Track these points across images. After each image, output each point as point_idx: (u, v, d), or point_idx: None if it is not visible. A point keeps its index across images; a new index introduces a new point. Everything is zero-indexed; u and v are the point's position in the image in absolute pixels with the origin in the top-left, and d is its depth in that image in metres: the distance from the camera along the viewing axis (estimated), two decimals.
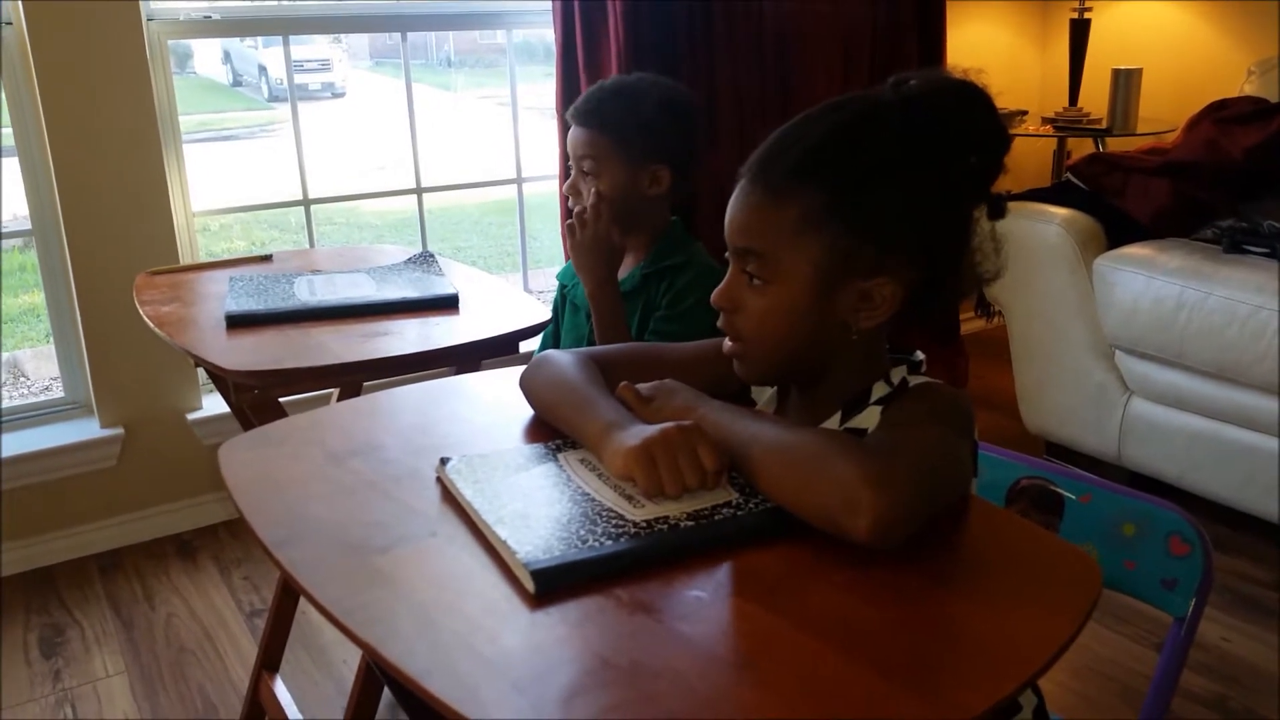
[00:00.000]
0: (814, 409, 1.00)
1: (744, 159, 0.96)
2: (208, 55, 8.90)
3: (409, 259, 1.83)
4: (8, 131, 2.24)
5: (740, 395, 1.09)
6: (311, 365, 1.37)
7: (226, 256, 2.19)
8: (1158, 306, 2.25)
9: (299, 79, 6.00)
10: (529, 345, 1.65)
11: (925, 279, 0.94)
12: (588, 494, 0.87)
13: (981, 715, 0.63)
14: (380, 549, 0.81)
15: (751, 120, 2.77)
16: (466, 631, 0.71)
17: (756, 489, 0.86)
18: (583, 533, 0.80)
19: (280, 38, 2.58)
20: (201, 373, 2.38)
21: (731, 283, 0.97)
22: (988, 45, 3.49)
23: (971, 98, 0.93)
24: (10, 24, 2.17)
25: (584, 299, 1.64)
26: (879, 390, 0.98)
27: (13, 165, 2.26)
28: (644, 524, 0.81)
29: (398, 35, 2.72)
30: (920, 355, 1.01)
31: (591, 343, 1.63)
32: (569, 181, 1.68)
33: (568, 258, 1.75)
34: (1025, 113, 3.37)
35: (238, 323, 1.50)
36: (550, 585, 0.74)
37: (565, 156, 1.84)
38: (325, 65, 8.46)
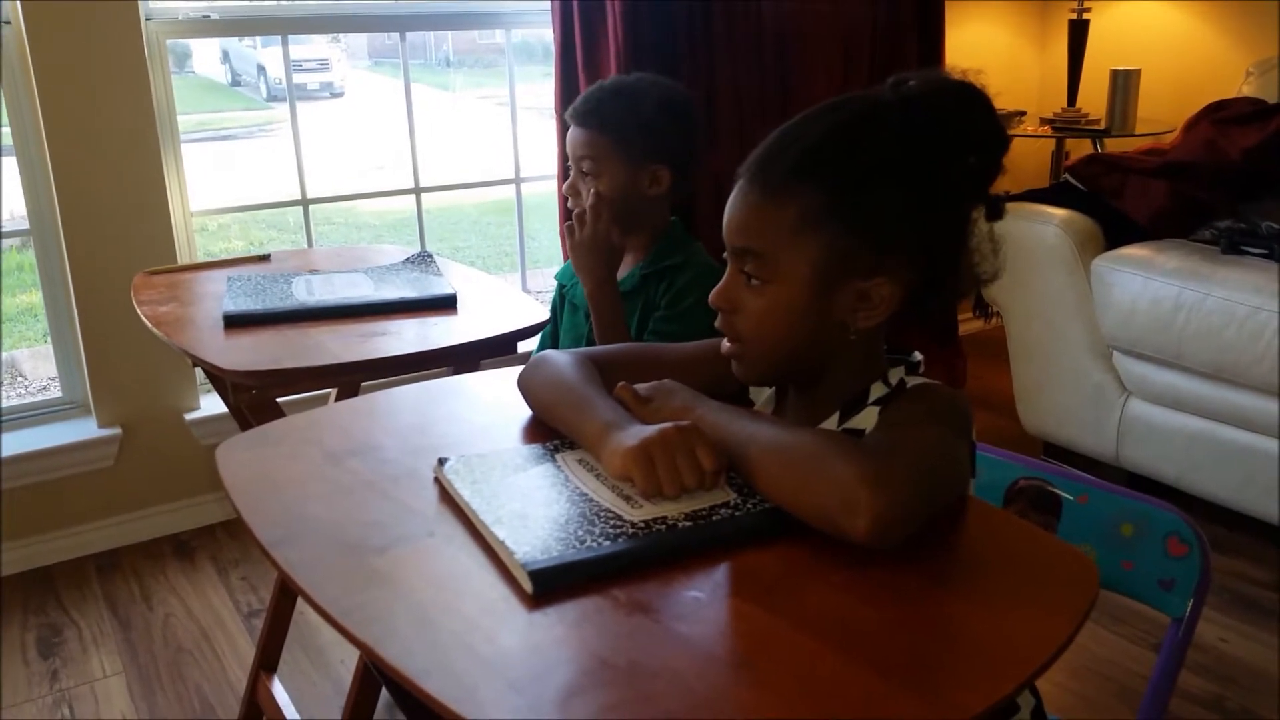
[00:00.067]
0: (812, 409, 1.00)
1: (744, 159, 0.96)
2: (206, 55, 8.89)
3: (407, 259, 1.83)
4: (6, 131, 2.24)
5: (739, 396, 1.08)
6: (309, 365, 1.37)
7: (224, 256, 2.19)
8: (1156, 307, 2.25)
9: (297, 79, 6.00)
10: (527, 345, 1.65)
11: (924, 279, 0.94)
12: (586, 494, 0.87)
13: (979, 715, 0.63)
14: (378, 549, 0.81)
15: (751, 120, 2.77)
16: (464, 631, 0.71)
17: (754, 489, 0.86)
18: (580, 533, 0.80)
19: (279, 37, 2.58)
20: (199, 373, 2.38)
21: (730, 283, 0.97)
22: (987, 45, 3.49)
23: (970, 98, 0.93)
24: (9, 24, 2.17)
25: (583, 299, 1.64)
26: (877, 391, 0.98)
27: (11, 165, 2.25)
28: (642, 524, 0.81)
29: (396, 35, 2.72)
30: (918, 356, 1.01)
31: (590, 343, 1.63)
32: (568, 182, 1.68)
33: (566, 258, 1.75)
34: (1024, 113, 3.37)
35: (236, 323, 1.50)
36: (548, 585, 0.74)
37: (564, 157, 1.84)
38: (324, 65, 8.45)
